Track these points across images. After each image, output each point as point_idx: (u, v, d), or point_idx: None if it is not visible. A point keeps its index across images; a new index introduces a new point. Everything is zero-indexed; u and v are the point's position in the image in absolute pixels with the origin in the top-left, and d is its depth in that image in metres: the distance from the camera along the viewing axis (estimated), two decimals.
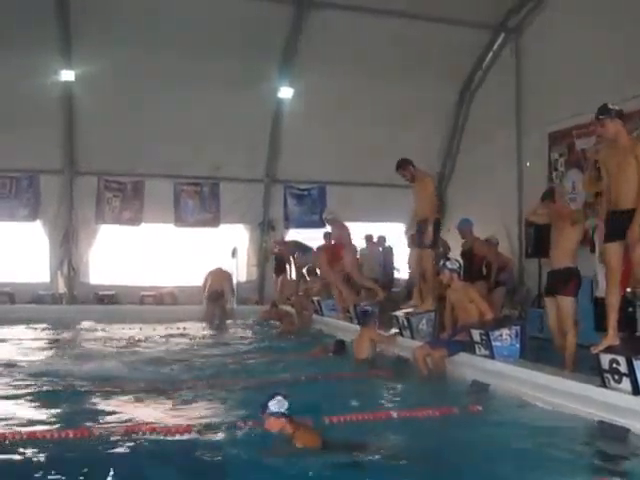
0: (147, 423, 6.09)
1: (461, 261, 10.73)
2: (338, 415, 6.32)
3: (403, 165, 10.57)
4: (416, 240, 11.07)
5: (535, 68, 15.44)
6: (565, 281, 8.05)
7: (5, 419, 6.19)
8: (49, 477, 4.68)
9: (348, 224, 13.94)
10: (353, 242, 13.84)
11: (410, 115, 17.58)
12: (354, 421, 6.26)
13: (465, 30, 16.64)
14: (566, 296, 8.01)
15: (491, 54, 17.39)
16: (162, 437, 5.65)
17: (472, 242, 12.70)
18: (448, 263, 9.00)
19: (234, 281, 17.01)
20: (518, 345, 8.15)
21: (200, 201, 18.73)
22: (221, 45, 16.12)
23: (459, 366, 8.34)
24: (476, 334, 8.26)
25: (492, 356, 7.99)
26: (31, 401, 7.06)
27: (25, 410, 6.64)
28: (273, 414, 5.15)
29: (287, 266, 16.42)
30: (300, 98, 17.38)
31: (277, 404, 5.17)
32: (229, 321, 15.75)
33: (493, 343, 8.01)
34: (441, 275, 9.12)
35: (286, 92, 17.61)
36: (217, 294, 15.97)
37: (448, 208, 18.88)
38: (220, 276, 16.32)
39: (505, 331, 8.13)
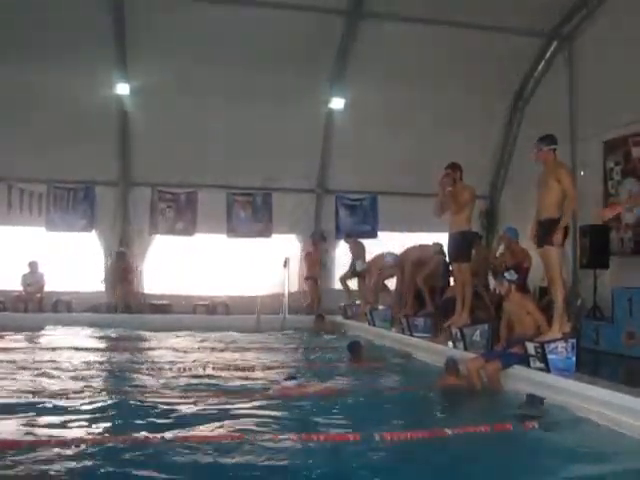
0: (197, 431, 6.16)
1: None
2: (391, 432, 6.31)
3: (454, 167, 10.55)
4: (451, 253, 10.97)
5: (589, 75, 15.19)
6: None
7: (64, 425, 6.32)
8: None
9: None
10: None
11: (461, 124, 17.43)
12: (407, 439, 6.21)
13: (517, 38, 16.46)
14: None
15: (544, 62, 17.17)
16: (212, 445, 5.68)
17: (517, 252, 12.49)
18: (507, 274, 8.90)
19: (286, 291, 17.18)
20: (574, 358, 8.04)
21: (252, 212, 18.87)
22: (273, 56, 16.24)
23: (514, 379, 8.24)
24: (531, 347, 8.16)
25: (547, 369, 7.89)
26: (87, 408, 7.15)
27: (82, 417, 6.74)
28: None
29: None
30: (351, 108, 17.40)
31: None
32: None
33: (548, 356, 7.91)
34: (499, 286, 9.05)
35: (337, 103, 17.64)
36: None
37: (500, 217, 18.79)
38: (311, 261, 18.22)
39: (561, 344, 8.03)
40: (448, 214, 10.75)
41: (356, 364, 10.41)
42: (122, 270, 17.99)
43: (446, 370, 8.48)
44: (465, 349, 10.04)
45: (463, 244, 10.55)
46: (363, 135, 17.51)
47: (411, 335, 12.34)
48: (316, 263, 18.05)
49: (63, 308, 17.71)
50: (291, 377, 8.30)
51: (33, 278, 17.69)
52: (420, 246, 13.94)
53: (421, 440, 6.15)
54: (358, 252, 16.85)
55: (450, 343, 10.65)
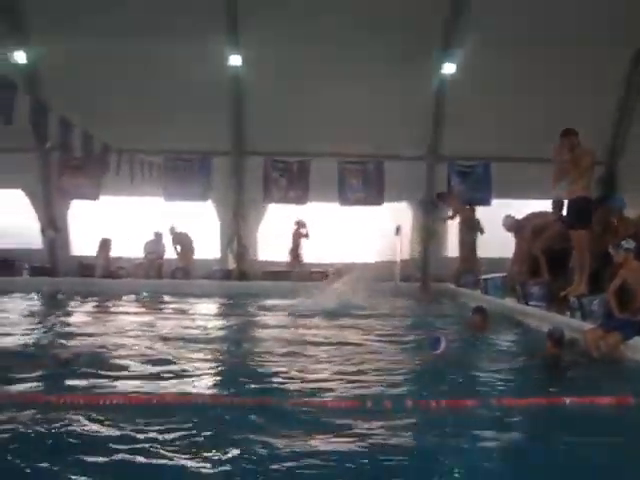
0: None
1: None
2: (508, 398, 6.30)
3: (569, 133, 10.23)
4: (570, 220, 10.66)
5: None
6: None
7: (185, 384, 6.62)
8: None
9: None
10: None
11: (579, 85, 16.80)
12: (525, 405, 6.19)
13: None
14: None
15: None
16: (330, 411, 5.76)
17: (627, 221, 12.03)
18: (624, 242, 8.69)
19: (397, 259, 17.19)
20: None
21: (364, 180, 18.94)
22: (382, 23, 16.16)
23: (636, 351, 8.00)
24: None
25: None
26: (205, 371, 7.41)
27: (202, 379, 6.99)
28: None
29: None
30: (463, 73, 17.08)
31: None
32: None
33: None
34: (616, 255, 8.81)
35: (449, 68, 17.40)
36: None
37: (619, 183, 18.15)
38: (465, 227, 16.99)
39: None
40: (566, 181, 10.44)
41: (473, 330, 10.32)
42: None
43: (549, 339, 8.27)
44: (583, 319, 9.81)
45: (583, 210, 10.25)
46: (475, 100, 17.11)
47: (526, 304, 12.14)
48: (470, 229, 16.89)
49: (181, 275, 18.36)
50: (436, 340, 8.18)
51: (155, 246, 18.42)
52: (540, 213, 13.60)
53: (538, 406, 6.13)
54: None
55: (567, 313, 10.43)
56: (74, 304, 14.54)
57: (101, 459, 4.54)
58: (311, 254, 18.52)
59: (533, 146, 16.39)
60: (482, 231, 16.36)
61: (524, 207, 14.33)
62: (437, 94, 17.96)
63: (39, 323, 11.28)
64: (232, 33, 16.75)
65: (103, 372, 7.00)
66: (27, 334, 9.84)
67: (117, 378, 6.79)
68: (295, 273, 18.23)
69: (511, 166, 18.01)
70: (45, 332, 10.22)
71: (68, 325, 11.16)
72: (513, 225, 13.62)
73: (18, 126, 10.24)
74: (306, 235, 18.59)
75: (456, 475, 4.46)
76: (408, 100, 17.28)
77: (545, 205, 13.40)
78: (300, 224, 18.54)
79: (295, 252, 18.64)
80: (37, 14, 16.46)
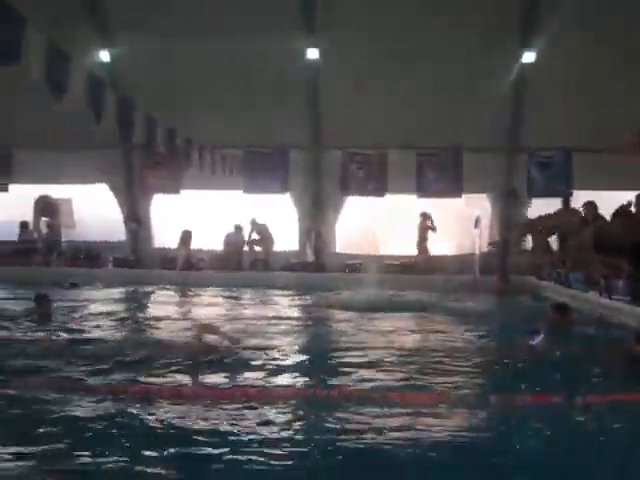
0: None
1: None
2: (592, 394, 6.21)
3: None
4: None
5: None
6: None
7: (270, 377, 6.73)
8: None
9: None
10: None
11: None
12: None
13: None
14: None
15: None
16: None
17: None
18: None
19: (477, 252, 16.97)
20: None
21: (442, 171, 18.76)
22: (460, 13, 16.01)
23: None
24: None
25: None
26: (283, 361, 7.55)
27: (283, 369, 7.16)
28: None
29: None
30: (543, 63, 16.76)
31: None
32: None
33: None
34: None
35: (528, 57, 17.11)
36: None
37: None
38: None
39: None
40: None
41: (553, 326, 10.11)
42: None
43: (636, 337, 7.84)
44: None
45: None
46: (555, 90, 16.82)
47: (609, 298, 11.84)
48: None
49: (260, 267, 18.60)
50: (534, 332, 8.11)
51: (235, 238, 18.74)
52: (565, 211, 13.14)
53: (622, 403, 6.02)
54: None
55: None
56: (154, 296, 14.96)
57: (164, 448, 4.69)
58: (387, 246, 18.46)
59: (615, 136, 15.99)
60: None
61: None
62: (516, 83, 17.66)
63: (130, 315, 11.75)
64: (310, 28, 16.85)
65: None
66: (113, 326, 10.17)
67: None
68: (421, 265, 18.18)
69: (594, 157, 17.52)
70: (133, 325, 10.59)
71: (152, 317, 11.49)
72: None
73: (103, 123, 10.52)
74: (432, 227, 18.52)
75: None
76: (487, 91, 17.00)
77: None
78: (426, 216, 18.45)
79: (422, 244, 18.53)
80: (119, 13, 16.92)
